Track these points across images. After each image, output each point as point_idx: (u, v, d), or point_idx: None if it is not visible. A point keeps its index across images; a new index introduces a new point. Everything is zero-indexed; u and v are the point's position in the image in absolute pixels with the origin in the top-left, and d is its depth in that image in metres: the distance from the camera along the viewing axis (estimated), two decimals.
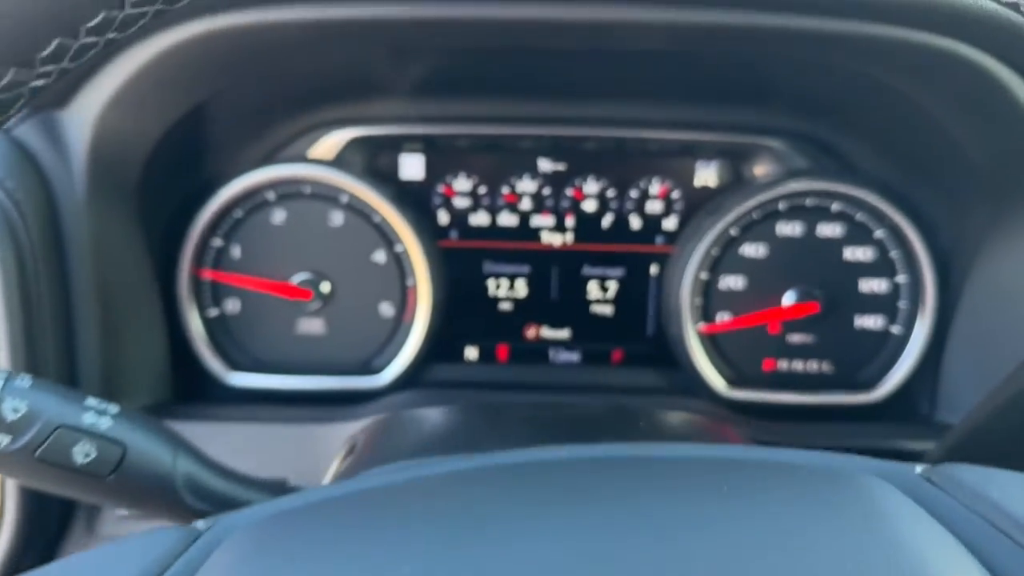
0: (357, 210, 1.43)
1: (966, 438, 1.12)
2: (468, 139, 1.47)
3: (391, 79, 1.39)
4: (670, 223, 1.49)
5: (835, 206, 1.43)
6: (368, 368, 1.48)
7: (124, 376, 1.32)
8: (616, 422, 1.01)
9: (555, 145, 1.47)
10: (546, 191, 1.49)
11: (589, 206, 1.49)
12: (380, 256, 1.45)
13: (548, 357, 1.54)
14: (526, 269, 1.51)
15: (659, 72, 1.40)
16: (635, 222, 1.49)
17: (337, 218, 1.44)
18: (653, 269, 1.51)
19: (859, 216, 1.43)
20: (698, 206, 1.48)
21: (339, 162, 1.44)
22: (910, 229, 1.41)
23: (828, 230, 1.44)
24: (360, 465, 0.91)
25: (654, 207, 1.49)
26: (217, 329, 1.47)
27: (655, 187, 1.49)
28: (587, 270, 1.51)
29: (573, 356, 1.54)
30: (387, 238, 1.44)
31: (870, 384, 1.46)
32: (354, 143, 1.44)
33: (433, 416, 1.07)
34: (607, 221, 1.50)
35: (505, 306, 1.52)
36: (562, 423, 0.97)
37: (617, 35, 1.01)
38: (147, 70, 1.03)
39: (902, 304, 1.45)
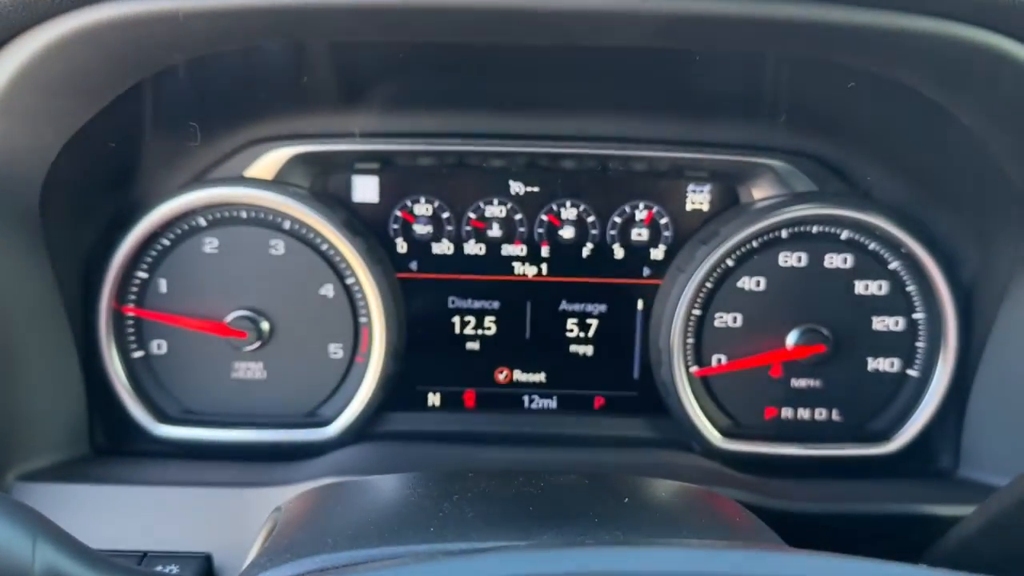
0: (301, 237, 1.26)
1: (1012, 512, 0.95)
2: (430, 157, 1.29)
3: (339, 88, 1.23)
4: (658, 253, 1.33)
5: (844, 234, 1.27)
6: (314, 418, 1.30)
7: (26, 431, 1.14)
8: (597, 498, 0.83)
9: (529, 164, 1.31)
10: (518, 216, 1.31)
11: (566, 233, 1.32)
12: (328, 290, 1.27)
13: (522, 403, 1.36)
14: (496, 304, 1.33)
15: (646, 83, 1.25)
16: (618, 251, 1.32)
17: (278, 246, 1.26)
18: (639, 304, 1.34)
19: (871, 245, 1.27)
20: (689, 234, 1.32)
21: (280, 182, 1.26)
22: (929, 260, 1.25)
23: (836, 261, 1.27)
24: (278, 554, 0.73)
25: (640, 234, 1.32)
26: (142, 373, 1.28)
27: (641, 212, 1.32)
28: (565, 306, 1.34)
29: (549, 402, 1.36)
30: (336, 269, 1.26)
31: (884, 435, 1.29)
32: (297, 161, 1.26)
33: (372, 489, 0.89)
34: (587, 250, 1.32)
35: (472, 346, 1.34)
36: (530, 500, 0.80)
37: (603, 28, 0.84)
38: (29, 72, 0.85)
39: (920, 344, 1.28)
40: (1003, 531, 0.96)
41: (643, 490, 0.90)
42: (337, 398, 1.29)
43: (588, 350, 1.35)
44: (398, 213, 1.31)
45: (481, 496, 0.82)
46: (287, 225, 1.25)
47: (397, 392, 1.32)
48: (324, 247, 1.26)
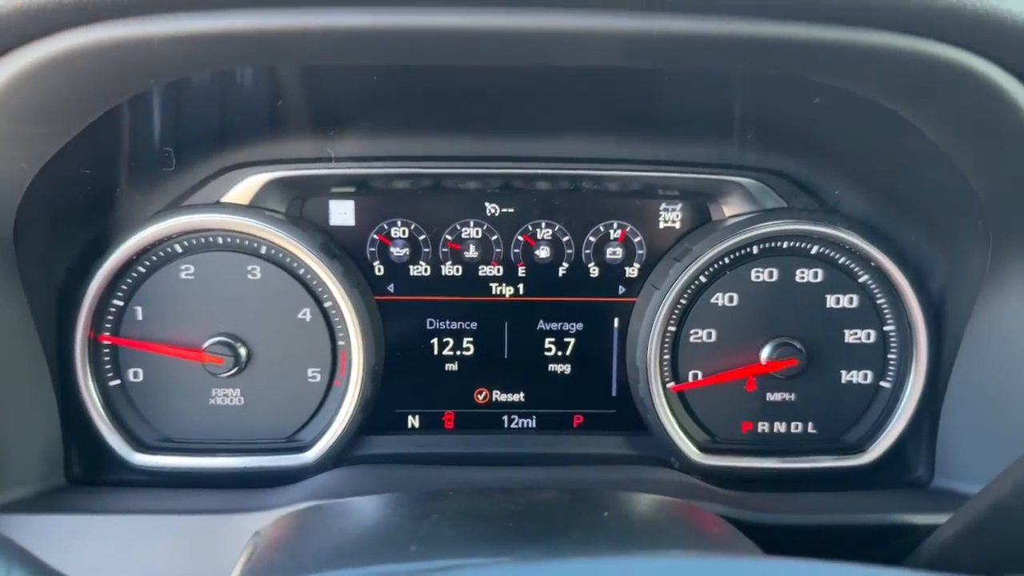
0: (278, 262, 1.26)
1: (987, 516, 0.97)
2: (406, 180, 1.31)
3: (314, 113, 1.23)
4: (632, 271, 1.34)
5: (814, 249, 1.29)
6: (293, 443, 1.29)
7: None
8: (576, 513, 0.84)
9: (504, 186, 1.32)
10: (494, 238, 1.33)
11: (542, 253, 1.33)
12: (306, 313, 1.27)
13: (501, 423, 1.36)
14: (474, 325, 1.34)
15: (618, 105, 1.27)
16: (594, 270, 1.34)
17: (255, 271, 1.26)
18: (615, 322, 1.35)
19: (841, 259, 1.29)
20: (663, 251, 1.33)
21: (256, 207, 1.26)
22: (898, 273, 1.27)
23: (807, 275, 1.29)
24: None
25: (614, 253, 1.34)
26: (118, 402, 1.27)
27: (615, 231, 1.33)
28: (542, 325, 1.35)
29: (529, 422, 1.37)
30: (314, 293, 1.27)
31: (859, 447, 1.31)
32: (273, 186, 1.27)
33: (351, 511, 0.89)
34: (563, 270, 1.34)
35: (451, 367, 1.35)
36: (509, 517, 0.80)
37: (565, 48, 0.86)
38: (1, 99, 0.85)
39: (892, 356, 1.31)
40: (978, 536, 0.98)
41: (622, 504, 0.91)
42: (316, 422, 1.29)
43: (566, 369, 1.36)
44: (375, 236, 1.31)
45: (460, 514, 0.82)
46: (264, 250, 1.26)
47: (376, 415, 1.32)
48: (301, 271, 1.26)
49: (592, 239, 1.33)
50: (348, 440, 1.28)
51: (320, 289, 1.26)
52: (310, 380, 1.29)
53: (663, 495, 1.16)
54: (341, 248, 1.30)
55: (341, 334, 1.27)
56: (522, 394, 1.36)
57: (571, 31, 0.80)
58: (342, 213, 1.30)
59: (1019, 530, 0.91)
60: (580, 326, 1.35)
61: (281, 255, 1.25)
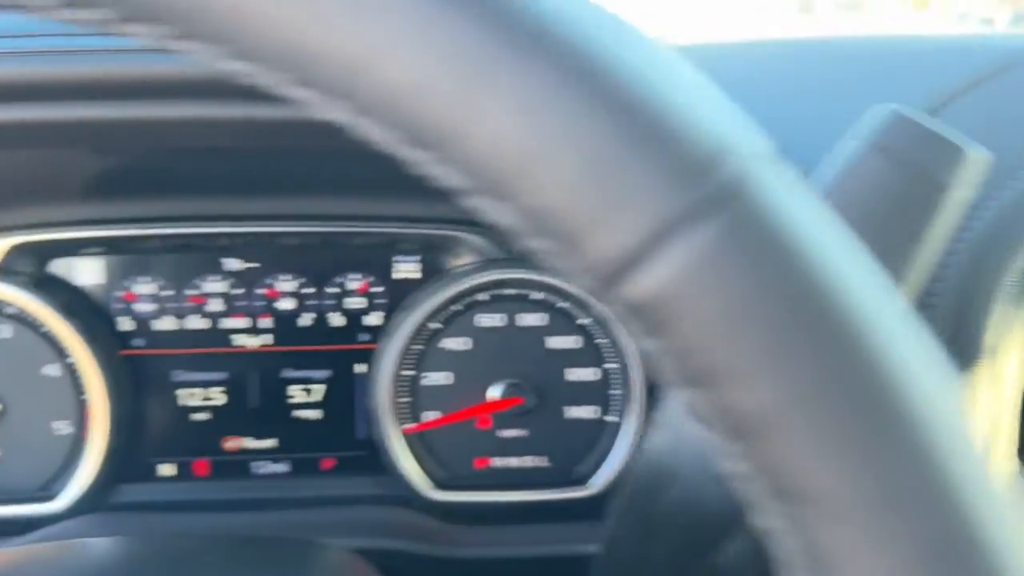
0: (24, 321, 1.33)
1: (609, 546, 1.06)
2: (155, 240, 1.38)
3: (57, 178, 1.32)
4: (373, 319, 1.42)
5: (535, 295, 1.38)
6: (45, 492, 1.35)
7: None
8: (214, 562, 0.90)
9: (248, 243, 1.40)
10: (239, 291, 1.41)
11: (285, 305, 1.41)
12: (52, 370, 1.34)
13: (251, 470, 1.43)
14: (221, 376, 1.41)
15: (352, 165, 1.35)
16: (336, 319, 1.42)
17: (6, 331, 1.34)
18: (361, 368, 1.43)
19: (561, 304, 1.38)
20: (400, 301, 1.42)
21: (4, 271, 1.34)
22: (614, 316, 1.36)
23: (530, 319, 1.38)
24: None
25: (356, 303, 1.42)
26: None
27: (357, 282, 1.42)
28: (288, 373, 1.42)
29: (280, 467, 1.43)
30: (59, 350, 1.34)
31: (586, 478, 1.39)
32: (20, 250, 1.34)
33: (33, 555, 0.95)
34: (306, 320, 1.42)
35: (200, 417, 1.41)
36: (148, 565, 0.87)
37: (155, 131, 0.96)
38: None
39: (614, 392, 1.39)
40: (607, 566, 1.06)
41: (262, 551, 0.97)
42: (66, 473, 1.35)
43: (315, 414, 1.43)
44: (120, 294, 1.39)
45: (113, 562, 0.89)
46: (10, 311, 1.33)
47: (127, 464, 1.38)
48: (45, 330, 1.33)
49: (335, 290, 1.42)
50: (98, 489, 1.35)
51: (64, 346, 1.33)
52: (60, 433, 1.35)
53: (380, 535, 1.24)
54: (87, 306, 1.37)
55: (86, 388, 1.34)
56: (272, 440, 1.43)
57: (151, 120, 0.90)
58: (87, 272, 1.38)
59: (623, 559, 1.00)
60: (327, 373, 1.43)
61: (26, 316, 1.33)
